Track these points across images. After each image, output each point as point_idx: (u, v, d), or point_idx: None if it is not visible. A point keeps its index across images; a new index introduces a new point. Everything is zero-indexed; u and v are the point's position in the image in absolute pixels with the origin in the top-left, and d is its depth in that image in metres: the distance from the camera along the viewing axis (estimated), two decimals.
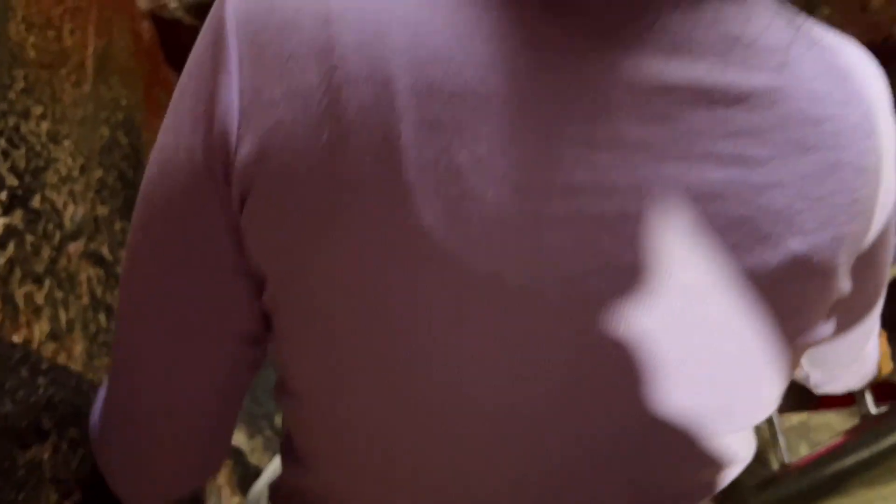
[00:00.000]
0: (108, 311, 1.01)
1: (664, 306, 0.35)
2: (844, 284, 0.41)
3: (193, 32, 1.35)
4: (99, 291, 0.98)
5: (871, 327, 0.55)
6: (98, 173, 1.02)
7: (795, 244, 0.36)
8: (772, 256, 0.36)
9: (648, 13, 0.34)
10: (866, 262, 0.43)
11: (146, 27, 1.28)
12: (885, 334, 0.96)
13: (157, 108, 1.27)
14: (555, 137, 0.33)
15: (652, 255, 0.34)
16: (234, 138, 0.36)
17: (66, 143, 0.93)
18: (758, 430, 1.32)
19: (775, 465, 1.17)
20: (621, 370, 0.37)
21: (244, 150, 0.35)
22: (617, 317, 0.35)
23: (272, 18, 0.35)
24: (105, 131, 1.05)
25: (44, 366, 0.51)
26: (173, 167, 0.39)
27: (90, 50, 1.03)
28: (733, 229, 0.35)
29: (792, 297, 0.38)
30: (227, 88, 0.36)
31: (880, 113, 0.39)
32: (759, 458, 1.21)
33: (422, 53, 0.32)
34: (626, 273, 0.35)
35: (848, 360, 0.58)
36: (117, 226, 1.06)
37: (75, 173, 0.95)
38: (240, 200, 0.37)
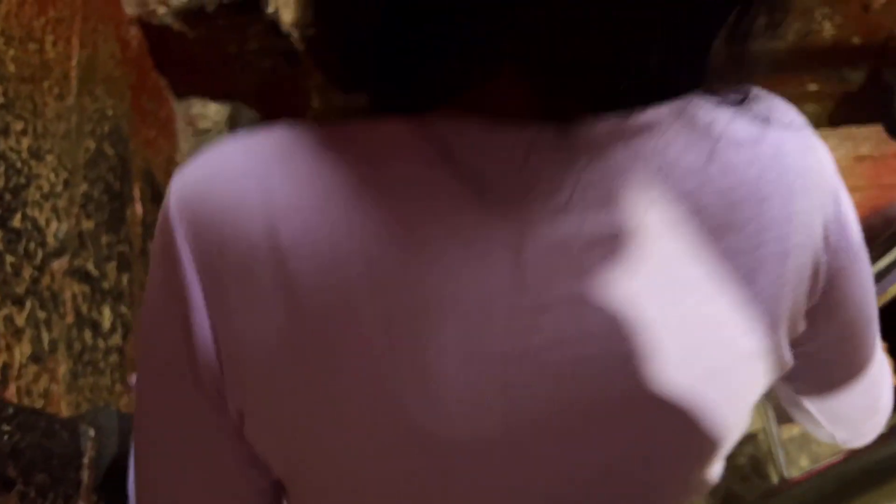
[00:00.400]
0: (95, 327, 0.99)
1: (630, 428, 0.39)
2: (798, 332, 0.43)
3: (183, 39, 1.33)
4: (84, 308, 0.96)
5: (879, 374, 0.54)
6: (83, 187, 1.00)
7: (743, 343, 0.39)
8: (724, 359, 0.39)
9: (566, 186, 0.36)
10: (823, 307, 0.44)
11: (134, 34, 1.26)
12: (884, 346, 0.94)
13: (145, 116, 1.25)
14: (504, 313, 0.36)
15: (610, 386, 0.38)
16: (217, 371, 0.38)
17: (49, 158, 0.91)
18: (757, 442, 1.30)
19: (775, 479, 1.16)
20: (598, 490, 0.41)
21: (230, 381, 0.38)
22: (586, 445, 0.39)
23: (227, 251, 0.36)
24: (90, 143, 1.03)
25: (9, 411, 0.49)
26: (165, 387, 0.40)
27: (74, 61, 1.01)
28: (684, 349, 0.38)
29: (748, 378, 0.41)
30: (200, 327, 0.37)
31: (803, 186, 0.40)
32: (759, 472, 1.20)
33: (378, 273, 0.35)
34: (590, 405, 0.38)
35: (870, 413, 0.56)
36: (104, 240, 1.04)
37: (59, 189, 0.93)
38: (238, 416, 0.39)
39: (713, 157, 0.37)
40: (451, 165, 0.35)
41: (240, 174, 0.36)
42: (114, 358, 1.03)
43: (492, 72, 0.35)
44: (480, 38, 0.33)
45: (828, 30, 1.60)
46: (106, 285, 1.03)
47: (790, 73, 1.73)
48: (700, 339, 0.38)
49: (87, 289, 0.98)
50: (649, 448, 0.41)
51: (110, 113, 1.11)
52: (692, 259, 0.37)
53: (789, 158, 0.40)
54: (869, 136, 2.38)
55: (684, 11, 0.32)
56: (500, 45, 0.33)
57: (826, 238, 0.42)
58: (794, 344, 0.43)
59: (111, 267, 1.05)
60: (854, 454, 0.96)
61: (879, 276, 0.96)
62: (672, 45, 0.34)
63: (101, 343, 1.00)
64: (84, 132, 1.01)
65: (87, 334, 0.97)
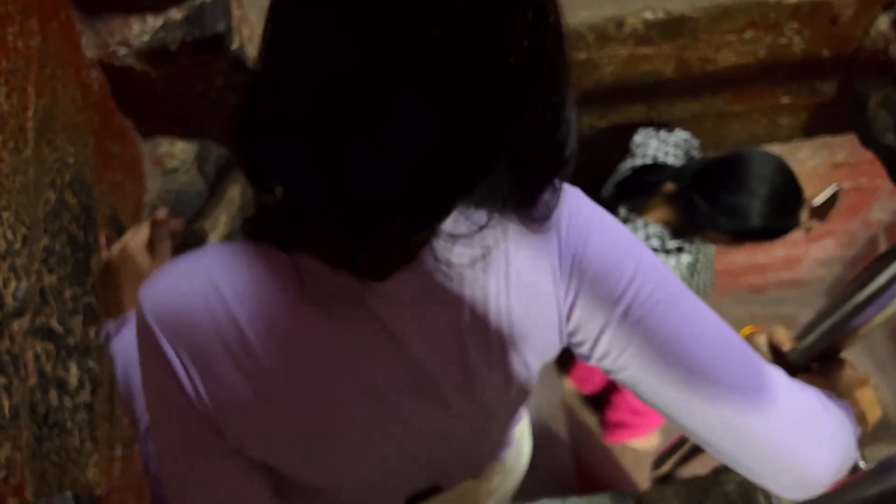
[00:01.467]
0: (61, 386, 0.95)
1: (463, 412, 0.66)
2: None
3: (146, 79, 1.30)
4: (48, 367, 0.93)
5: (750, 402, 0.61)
6: (44, 241, 0.96)
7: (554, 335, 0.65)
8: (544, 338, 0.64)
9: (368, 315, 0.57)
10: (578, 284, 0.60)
11: (95, 76, 1.23)
12: (869, 376, 0.92)
13: (109, 160, 1.22)
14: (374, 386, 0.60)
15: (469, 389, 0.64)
16: (210, 411, 0.57)
17: (6, 215, 0.88)
18: None
19: None
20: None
21: (219, 415, 0.58)
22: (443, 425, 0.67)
23: (194, 335, 0.54)
24: (50, 195, 1.00)
25: None
26: (175, 426, 0.59)
27: (30, 111, 0.98)
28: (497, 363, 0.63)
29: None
30: (191, 387, 0.56)
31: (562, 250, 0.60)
32: (747, 499, 1.18)
33: (296, 340, 0.57)
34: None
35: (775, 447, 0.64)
36: (68, 293, 1.00)
37: (17, 246, 0.89)
38: (232, 437, 0.59)
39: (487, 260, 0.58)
40: (304, 290, 0.54)
41: (190, 282, 0.54)
42: (82, 416, 0.99)
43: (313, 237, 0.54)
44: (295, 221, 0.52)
45: (798, 44, 1.60)
46: (72, 341, 1.00)
47: (763, 87, 1.72)
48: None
49: (50, 347, 0.95)
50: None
51: (72, 161, 1.08)
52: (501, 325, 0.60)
53: (557, 227, 0.60)
54: (844, 144, 2.39)
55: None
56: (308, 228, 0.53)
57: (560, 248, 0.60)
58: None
59: (77, 321, 1.02)
60: (844, 486, 0.94)
61: (879, 293, 0.91)
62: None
63: (67, 402, 0.96)
64: (43, 184, 0.98)
65: (53, 394, 0.93)
